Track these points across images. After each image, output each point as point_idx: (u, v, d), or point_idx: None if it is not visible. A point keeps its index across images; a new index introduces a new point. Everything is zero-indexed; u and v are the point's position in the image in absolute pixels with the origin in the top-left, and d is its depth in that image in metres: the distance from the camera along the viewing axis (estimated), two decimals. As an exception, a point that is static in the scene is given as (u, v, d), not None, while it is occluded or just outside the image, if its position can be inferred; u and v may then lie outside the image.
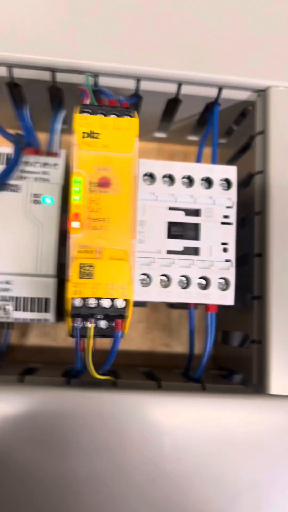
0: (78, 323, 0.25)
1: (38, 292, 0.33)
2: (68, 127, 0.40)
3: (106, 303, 0.24)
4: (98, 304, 0.24)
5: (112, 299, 0.24)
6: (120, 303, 0.24)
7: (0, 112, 0.37)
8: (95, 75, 0.31)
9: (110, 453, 0.27)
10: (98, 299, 0.24)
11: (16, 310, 0.33)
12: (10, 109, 0.37)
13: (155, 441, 0.27)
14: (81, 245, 0.24)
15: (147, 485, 0.27)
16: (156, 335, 0.39)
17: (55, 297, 0.33)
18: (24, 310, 0.33)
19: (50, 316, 0.33)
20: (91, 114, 0.25)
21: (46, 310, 0.33)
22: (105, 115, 0.25)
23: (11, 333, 0.35)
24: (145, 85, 0.32)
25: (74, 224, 0.23)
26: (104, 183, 0.24)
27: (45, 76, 0.32)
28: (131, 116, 0.25)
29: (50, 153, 0.36)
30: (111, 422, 0.27)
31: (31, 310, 0.33)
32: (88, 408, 0.27)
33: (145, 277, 0.30)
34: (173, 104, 0.35)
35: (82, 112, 0.25)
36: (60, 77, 0.32)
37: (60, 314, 0.36)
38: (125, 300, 0.24)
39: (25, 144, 0.33)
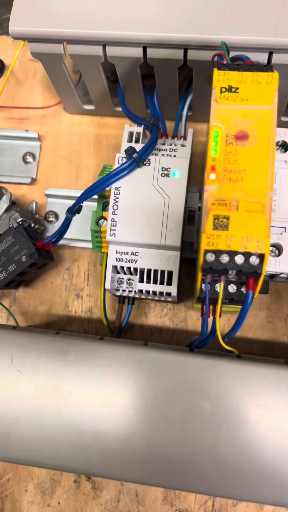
0: (209, 279, 0.24)
1: (162, 264, 0.33)
2: (193, 114, 0.40)
3: (239, 259, 0.23)
4: (231, 259, 0.23)
5: (246, 255, 0.23)
6: (254, 260, 0.23)
7: (130, 99, 0.39)
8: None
9: (232, 423, 0.26)
10: (231, 254, 0.23)
11: (139, 281, 0.33)
12: (138, 96, 0.38)
13: (282, 419, 0.25)
14: (216, 198, 0.23)
15: (274, 464, 0.25)
16: (278, 324, 0.37)
17: (178, 271, 0.33)
18: (147, 282, 0.33)
19: (172, 289, 0.33)
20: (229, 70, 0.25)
21: (169, 283, 0.33)
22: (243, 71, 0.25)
23: (131, 309, 0.36)
24: (277, 58, 0.32)
25: (211, 176, 0.23)
26: (242, 136, 0.23)
27: (178, 54, 0.32)
28: (270, 71, 0.24)
29: (175, 136, 0.37)
30: (235, 393, 0.26)
31: (154, 283, 0.33)
32: (211, 376, 0.26)
33: (274, 248, 0.29)
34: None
35: (220, 69, 0.25)
36: (192, 54, 0.32)
37: (180, 294, 0.35)
38: (260, 256, 0.23)
39: (159, 127, 0.35)
